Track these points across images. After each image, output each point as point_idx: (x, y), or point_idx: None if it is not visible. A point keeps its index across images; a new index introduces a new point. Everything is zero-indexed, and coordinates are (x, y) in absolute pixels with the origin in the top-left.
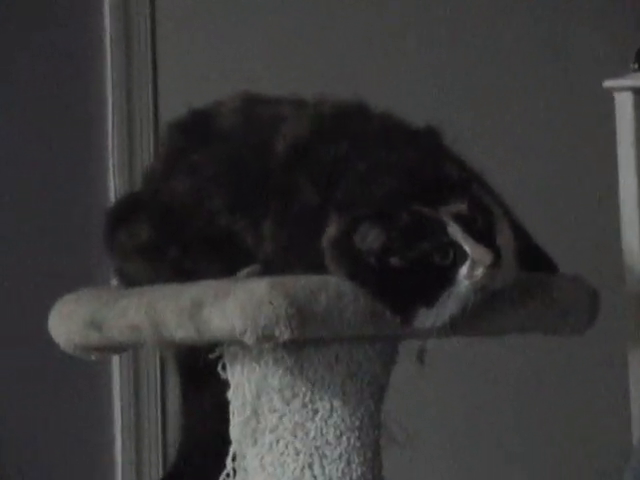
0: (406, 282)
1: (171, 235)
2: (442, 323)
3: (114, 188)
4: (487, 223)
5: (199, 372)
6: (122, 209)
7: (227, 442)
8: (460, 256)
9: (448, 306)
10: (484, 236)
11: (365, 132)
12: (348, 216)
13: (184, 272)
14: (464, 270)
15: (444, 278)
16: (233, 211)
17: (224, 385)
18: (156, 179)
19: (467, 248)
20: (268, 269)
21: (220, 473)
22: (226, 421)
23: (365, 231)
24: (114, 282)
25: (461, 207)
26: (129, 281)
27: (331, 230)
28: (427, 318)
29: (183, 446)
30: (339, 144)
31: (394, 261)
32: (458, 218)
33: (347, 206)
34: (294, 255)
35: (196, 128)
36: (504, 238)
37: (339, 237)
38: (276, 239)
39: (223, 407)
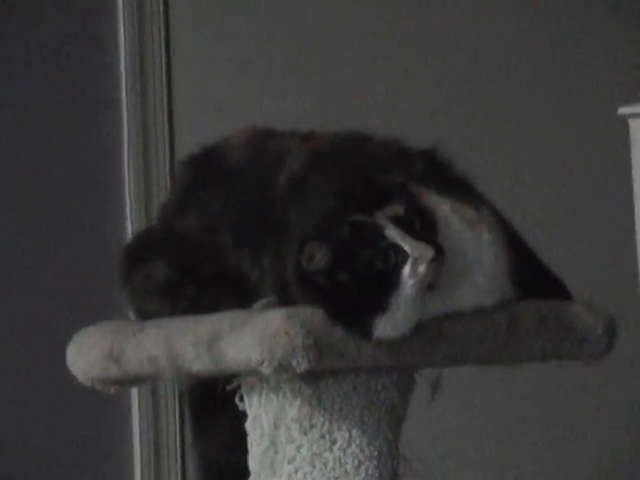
0: (356, 294)
1: (186, 274)
2: (403, 329)
3: (131, 219)
4: (426, 222)
5: (214, 404)
6: (137, 249)
7: (246, 474)
8: (402, 257)
9: (401, 309)
10: (423, 234)
11: (354, 164)
12: (296, 241)
13: (201, 309)
14: (407, 269)
15: (389, 281)
16: (240, 248)
17: (240, 417)
18: (169, 216)
19: (406, 247)
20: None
21: None
22: (243, 453)
23: (311, 251)
24: (131, 315)
25: (397, 209)
26: (148, 319)
27: (289, 260)
28: (385, 326)
29: None
30: (328, 178)
31: (342, 276)
32: (395, 220)
33: (298, 233)
34: (288, 291)
35: (206, 164)
36: (494, 252)
37: (293, 264)
38: (273, 274)
39: (239, 439)
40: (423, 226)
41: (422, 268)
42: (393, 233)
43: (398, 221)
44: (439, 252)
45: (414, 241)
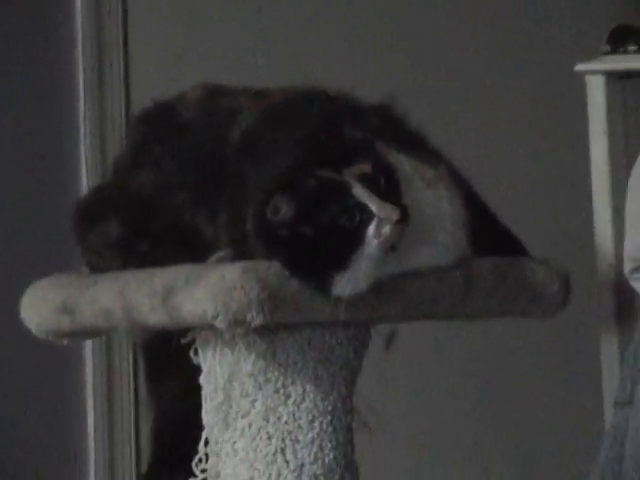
0: (317, 249)
1: (139, 231)
2: (362, 288)
3: (86, 173)
4: (392, 181)
5: (168, 358)
6: (90, 207)
7: (199, 427)
8: (367, 216)
9: (362, 268)
10: (389, 194)
11: (306, 116)
12: (260, 193)
13: (156, 265)
14: (371, 229)
15: (353, 240)
16: (194, 204)
17: (194, 370)
18: (122, 171)
19: (373, 207)
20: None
21: (193, 458)
22: (198, 406)
23: (277, 204)
24: (85, 269)
25: (364, 167)
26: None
27: (250, 211)
28: (345, 284)
29: (158, 435)
30: (281, 132)
31: (304, 230)
32: (362, 178)
33: (261, 185)
34: (244, 245)
35: (159, 120)
36: (453, 209)
37: (255, 216)
38: (228, 230)
39: (194, 392)
40: (388, 186)
41: (387, 229)
42: (360, 192)
43: (365, 179)
44: (404, 214)
45: (380, 202)
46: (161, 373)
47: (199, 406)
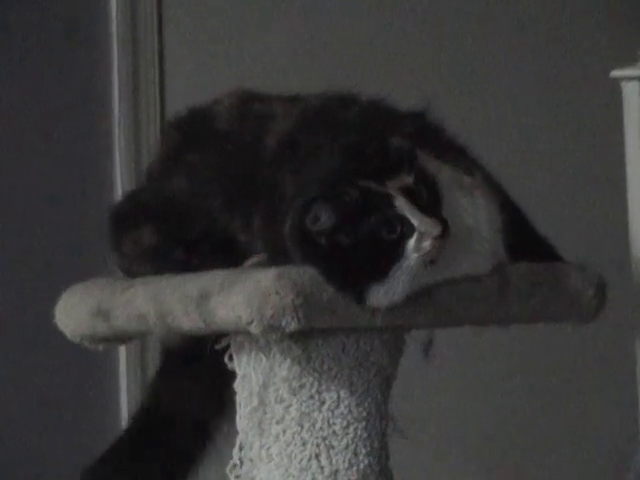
0: (356, 259)
1: (175, 238)
2: (398, 299)
3: (120, 178)
4: (433, 194)
5: (190, 359)
6: (124, 213)
7: (197, 426)
8: (408, 229)
9: (400, 280)
10: (430, 208)
11: (344, 122)
12: (301, 200)
13: (190, 271)
14: (412, 243)
15: (393, 252)
16: (229, 211)
17: (219, 376)
18: (156, 178)
19: (414, 221)
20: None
21: (176, 452)
22: (209, 411)
23: (317, 212)
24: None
25: (407, 180)
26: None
27: (289, 217)
28: (382, 295)
29: (141, 416)
30: (318, 137)
31: (343, 239)
32: (405, 191)
33: (301, 191)
34: (279, 250)
35: (193, 127)
36: (489, 217)
37: (294, 222)
38: (264, 235)
39: (209, 395)
40: (430, 199)
41: (427, 243)
42: (403, 205)
43: (407, 192)
44: (445, 229)
45: (422, 216)
46: (178, 372)
47: (211, 412)
